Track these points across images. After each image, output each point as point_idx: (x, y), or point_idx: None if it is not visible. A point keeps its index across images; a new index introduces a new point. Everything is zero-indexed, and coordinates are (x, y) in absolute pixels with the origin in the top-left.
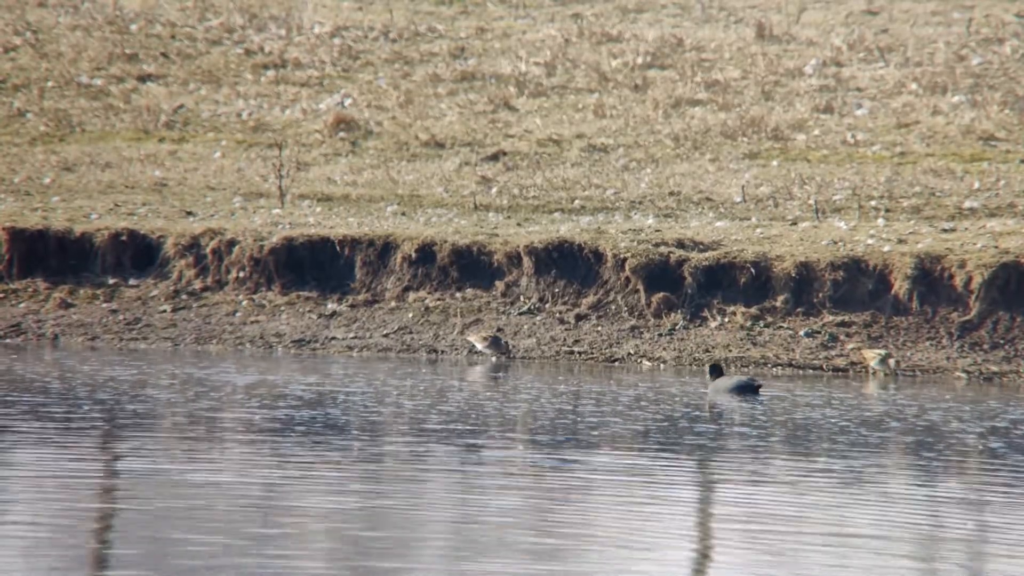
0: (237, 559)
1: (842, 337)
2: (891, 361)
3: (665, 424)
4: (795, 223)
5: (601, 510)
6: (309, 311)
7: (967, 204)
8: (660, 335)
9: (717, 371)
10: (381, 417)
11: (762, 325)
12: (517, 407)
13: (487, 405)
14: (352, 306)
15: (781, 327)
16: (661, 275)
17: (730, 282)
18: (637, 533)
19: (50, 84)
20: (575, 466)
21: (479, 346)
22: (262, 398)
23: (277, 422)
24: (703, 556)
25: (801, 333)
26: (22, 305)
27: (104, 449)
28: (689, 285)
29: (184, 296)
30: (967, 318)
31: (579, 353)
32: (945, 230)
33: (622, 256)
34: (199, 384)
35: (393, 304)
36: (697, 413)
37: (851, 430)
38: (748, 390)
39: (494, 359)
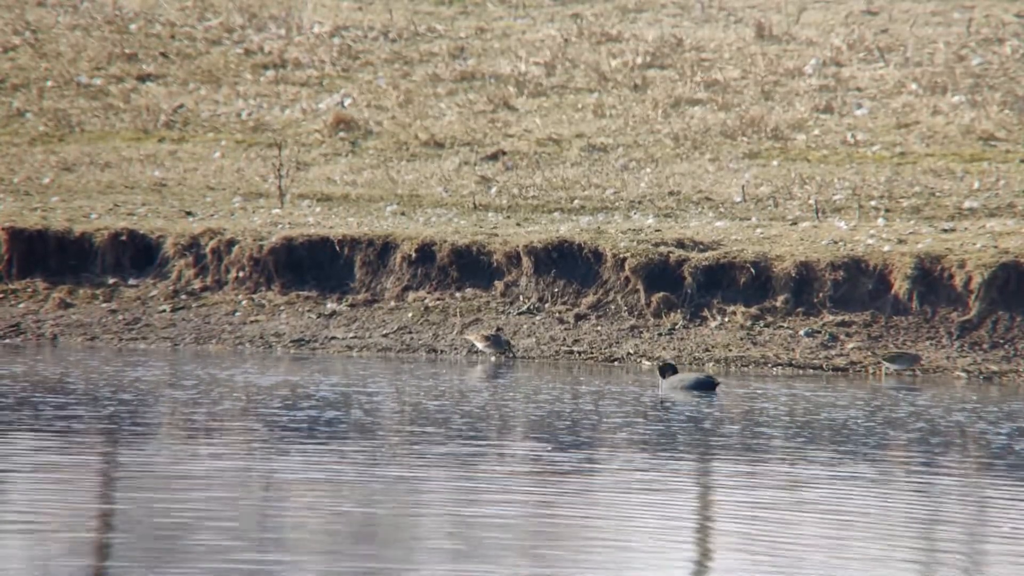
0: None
1: (842, 337)
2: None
3: (689, 426)
4: (795, 223)
5: (639, 510)
6: (308, 311)
7: (967, 204)
8: (660, 335)
9: (670, 370)
10: (407, 416)
11: (762, 325)
12: (540, 407)
13: (507, 406)
14: (352, 306)
15: (781, 327)
16: (661, 275)
17: (730, 282)
18: (674, 535)
19: (49, 84)
20: (604, 468)
21: (479, 345)
22: (284, 399)
23: (303, 422)
24: (764, 559)
25: (801, 333)
26: (21, 305)
27: (134, 449)
28: (689, 285)
29: (183, 296)
30: (967, 318)
31: (579, 353)
32: (945, 230)
33: (622, 256)
34: (220, 384)
35: (392, 304)
36: (719, 415)
37: (877, 431)
38: (705, 387)
39: (494, 358)
